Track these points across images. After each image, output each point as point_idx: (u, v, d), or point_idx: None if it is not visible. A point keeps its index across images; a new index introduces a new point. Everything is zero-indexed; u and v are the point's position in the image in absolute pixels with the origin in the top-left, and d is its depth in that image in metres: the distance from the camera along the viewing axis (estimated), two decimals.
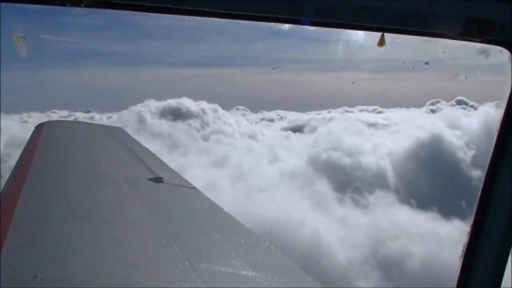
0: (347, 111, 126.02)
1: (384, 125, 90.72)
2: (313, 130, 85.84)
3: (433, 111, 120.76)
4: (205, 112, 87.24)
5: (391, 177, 50.09)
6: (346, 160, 53.96)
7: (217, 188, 43.16)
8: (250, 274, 3.33)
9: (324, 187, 45.63)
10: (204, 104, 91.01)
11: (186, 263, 3.25)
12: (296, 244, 34.47)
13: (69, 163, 5.96)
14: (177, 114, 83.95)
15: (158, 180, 5.65)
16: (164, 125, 75.38)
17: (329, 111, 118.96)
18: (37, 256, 2.94)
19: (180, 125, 78.33)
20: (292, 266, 3.84)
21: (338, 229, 37.56)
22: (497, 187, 1.73)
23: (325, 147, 58.52)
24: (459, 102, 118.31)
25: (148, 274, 3.01)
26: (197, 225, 4.54)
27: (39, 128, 7.87)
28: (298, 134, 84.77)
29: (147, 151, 8.07)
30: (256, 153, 62.78)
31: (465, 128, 55.74)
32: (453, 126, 58.34)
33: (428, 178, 46.13)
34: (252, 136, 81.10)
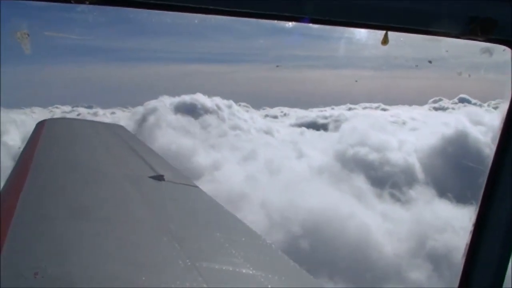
0: (350, 108, 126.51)
1: (393, 122, 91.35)
2: (325, 126, 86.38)
3: (436, 109, 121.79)
4: (220, 108, 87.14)
5: (423, 173, 50.85)
6: (373, 156, 54.54)
7: (257, 182, 43.44)
8: (251, 272, 3.33)
9: (359, 181, 46.18)
10: (219, 100, 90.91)
11: (187, 261, 3.25)
12: (342, 236, 34.83)
13: (70, 160, 5.93)
14: (193, 110, 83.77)
15: (159, 178, 5.63)
16: (183, 120, 75.13)
17: (333, 108, 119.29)
18: (37, 254, 2.96)
19: (198, 121, 78.33)
20: (293, 265, 3.84)
21: (381, 223, 38.03)
22: (499, 185, 1.74)
23: (350, 143, 59.09)
24: (462, 100, 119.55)
25: (148, 272, 3.02)
26: (198, 224, 4.53)
27: (40, 125, 7.78)
28: (311, 131, 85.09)
29: (148, 149, 8.10)
30: (279, 149, 63.14)
31: (489, 125, 56.57)
32: (476, 122, 59.16)
33: (459, 174, 46.80)
34: (268, 132, 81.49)
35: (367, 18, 1.46)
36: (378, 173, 49.91)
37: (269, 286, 3.16)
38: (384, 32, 1.53)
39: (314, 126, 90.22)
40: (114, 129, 9.36)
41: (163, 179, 5.62)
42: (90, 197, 4.53)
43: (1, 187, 4.46)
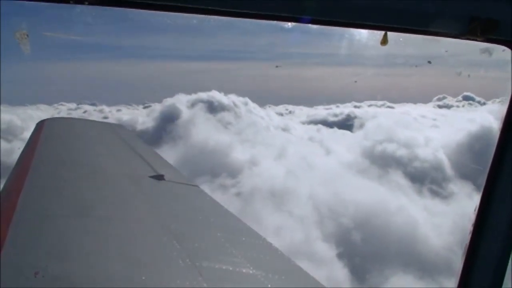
0: (356, 106, 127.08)
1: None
2: (337, 124, 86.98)
3: (440, 107, 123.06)
4: (236, 105, 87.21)
5: (457, 168, 51.34)
6: (403, 152, 55.13)
7: (296, 178, 43.78)
8: (251, 272, 3.37)
9: (396, 176, 46.71)
10: (234, 97, 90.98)
11: (187, 260, 3.30)
12: (390, 230, 35.30)
13: (70, 160, 6.01)
14: (210, 108, 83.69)
15: (159, 177, 5.71)
16: (204, 118, 75.06)
17: (338, 106, 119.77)
18: (37, 254, 3.02)
19: (217, 118, 78.16)
20: (293, 264, 3.88)
21: (426, 217, 38.53)
22: (499, 185, 1.75)
23: (376, 139, 59.65)
24: (466, 98, 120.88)
25: (148, 271, 3.07)
26: (198, 223, 4.58)
27: (40, 125, 7.84)
28: (326, 128, 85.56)
29: (148, 148, 8.25)
30: (304, 145, 63.44)
31: None
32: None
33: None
34: (286, 129, 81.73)
35: (367, 18, 1.49)
36: (409, 168, 50.52)
37: (269, 286, 3.21)
38: (383, 32, 1.56)
39: (325, 123, 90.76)
40: (114, 128, 9.41)
41: (163, 179, 5.70)
42: (90, 197, 4.59)
43: (2, 186, 4.54)
